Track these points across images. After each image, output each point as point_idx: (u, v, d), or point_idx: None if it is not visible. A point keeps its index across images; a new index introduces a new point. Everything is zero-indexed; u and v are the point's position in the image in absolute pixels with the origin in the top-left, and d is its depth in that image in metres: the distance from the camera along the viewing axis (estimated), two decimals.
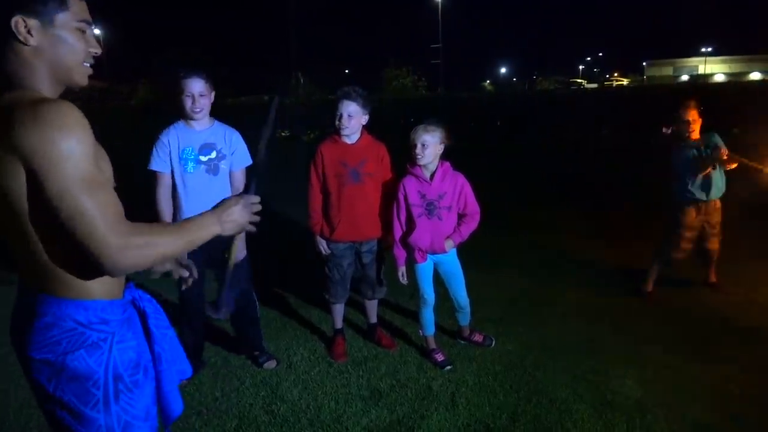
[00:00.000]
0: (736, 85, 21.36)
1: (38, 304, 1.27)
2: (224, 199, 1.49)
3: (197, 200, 2.89)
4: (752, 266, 4.59)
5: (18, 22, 1.19)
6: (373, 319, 3.60)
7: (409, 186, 3.18)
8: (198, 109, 2.90)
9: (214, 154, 2.97)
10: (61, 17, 1.25)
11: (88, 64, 1.33)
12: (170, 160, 2.94)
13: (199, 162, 2.94)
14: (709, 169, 3.85)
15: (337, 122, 3.15)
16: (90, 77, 1.37)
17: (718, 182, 3.94)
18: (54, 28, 1.24)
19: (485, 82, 65.54)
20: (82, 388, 1.27)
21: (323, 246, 3.32)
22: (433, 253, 3.23)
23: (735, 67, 63.94)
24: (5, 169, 1.15)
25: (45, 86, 1.26)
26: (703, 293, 4.14)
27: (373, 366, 3.28)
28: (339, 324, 3.52)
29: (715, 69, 65.54)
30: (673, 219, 4.06)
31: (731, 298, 4.05)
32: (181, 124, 2.98)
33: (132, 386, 1.35)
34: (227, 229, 1.45)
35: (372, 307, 3.57)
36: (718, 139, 3.89)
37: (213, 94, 2.98)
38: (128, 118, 18.06)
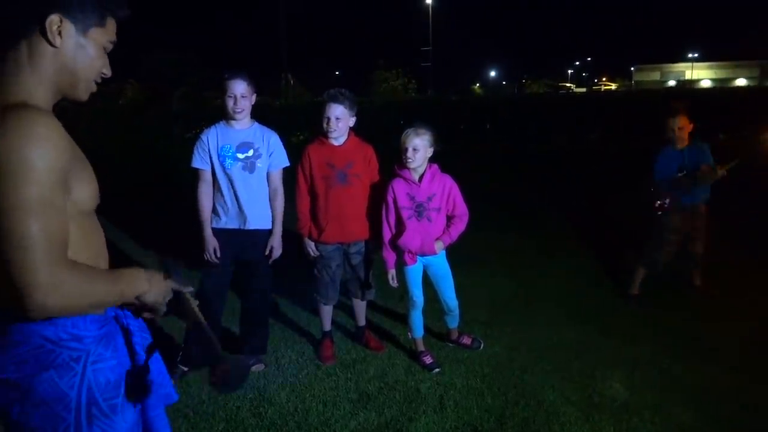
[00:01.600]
0: (722, 90, 21.62)
1: (0, 319, 1.16)
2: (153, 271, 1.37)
3: (236, 196, 3.07)
4: (738, 269, 4.64)
5: (53, 21, 1.15)
6: (362, 322, 3.60)
7: (398, 188, 3.18)
8: (239, 110, 3.01)
9: (251, 152, 3.07)
10: (95, 31, 1.22)
11: (95, 83, 1.30)
12: (209, 157, 3.05)
13: (237, 159, 3.05)
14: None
15: (324, 125, 3.16)
16: None
17: (703, 187, 3.96)
18: (84, 39, 1.21)
19: (475, 85, 65.80)
20: (51, 412, 1.16)
21: (311, 248, 3.32)
22: (423, 255, 3.23)
23: (721, 73, 64.80)
24: None
25: (40, 93, 1.18)
26: (689, 296, 4.17)
27: (362, 368, 3.27)
28: (327, 326, 3.51)
29: (702, 75, 66.38)
30: (657, 223, 4.08)
31: (717, 300, 4.08)
32: (222, 123, 3.11)
33: (109, 411, 1.22)
34: (150, 293, 1.29)
35: (361, 309, 3.57)
36: (706, 151, 3.87)
37: (254, 96, 3.09)
38: (117, 118, 17.89)
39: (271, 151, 3.11)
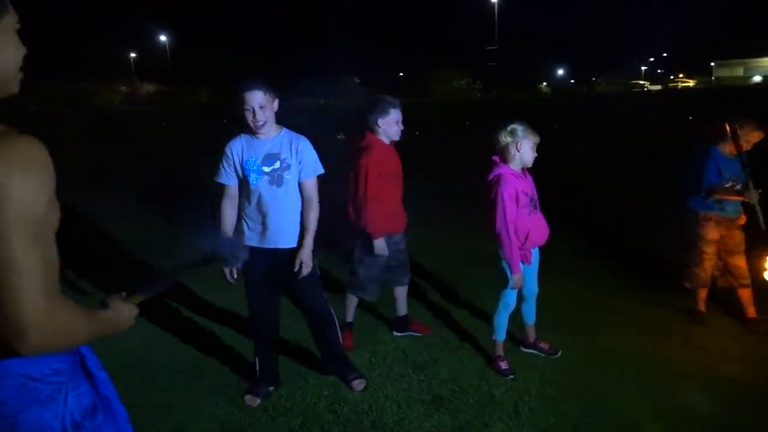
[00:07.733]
0: None
1: None
2: (113, 298, 1.33)
3: (261, 212, 2.86)
4: None
5: None
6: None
7: (519, 186, 3.13)
8: (260, 122, 2.76)
9: (278, 164, 2.82)
10: (5, 21, 1.11)
11: (21, 71, 1.19)
12: (235, 171, 2.89)
13: (262, 173, 2.82)
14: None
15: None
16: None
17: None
18: (1, 35, 1.10)
19: (542, 84, 64.18)
20: None
21: None
22: (539, 245, 3.30)
23: None
24: None
25: None
26: None
27: (434, 371, 3.30)
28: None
29: None
30: (693, 233, 3.77)
31: None
32: (246, 135, 2.88)
33: (94, 431, 1.24)
34: (120, 327, 1.30)
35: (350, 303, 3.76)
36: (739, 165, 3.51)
37: (276, 102, 2.83)
38: (190, 122, 18.76)
39: (300, 159, 2.84)
